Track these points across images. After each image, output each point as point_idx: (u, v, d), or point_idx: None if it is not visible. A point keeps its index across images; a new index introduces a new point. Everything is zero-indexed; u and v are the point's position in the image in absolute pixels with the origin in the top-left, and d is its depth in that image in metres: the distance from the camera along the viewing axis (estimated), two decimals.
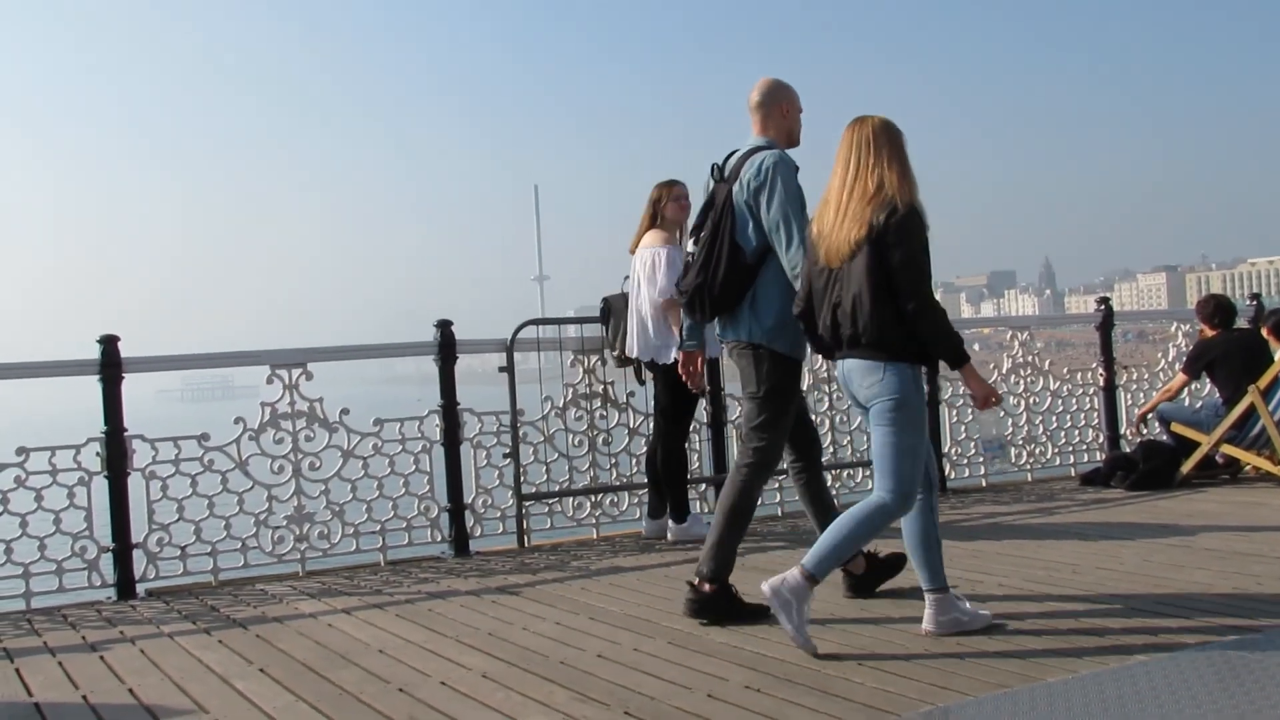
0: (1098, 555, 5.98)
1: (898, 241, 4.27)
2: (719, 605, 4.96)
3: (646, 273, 6.97)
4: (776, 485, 8.05)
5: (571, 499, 7.43)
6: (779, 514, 7.98)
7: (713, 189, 5.12)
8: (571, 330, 7.70)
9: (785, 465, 5.39)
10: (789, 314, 4.81)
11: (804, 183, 4.98)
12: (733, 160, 5.12)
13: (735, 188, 4.98)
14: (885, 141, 4.44)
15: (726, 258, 4.93)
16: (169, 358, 7.37)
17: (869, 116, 4.52)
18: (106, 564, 6.29)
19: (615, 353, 7.27)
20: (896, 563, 5.37)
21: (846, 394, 4.64)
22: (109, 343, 6.37)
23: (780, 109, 5.16)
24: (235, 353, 7.52)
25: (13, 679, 4.62)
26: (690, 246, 5.33)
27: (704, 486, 7.81)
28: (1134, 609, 4.79)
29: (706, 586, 4.98)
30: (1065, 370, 9.53)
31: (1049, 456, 9.21)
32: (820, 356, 4.92)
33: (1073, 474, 9.13)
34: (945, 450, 8.68)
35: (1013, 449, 9.06)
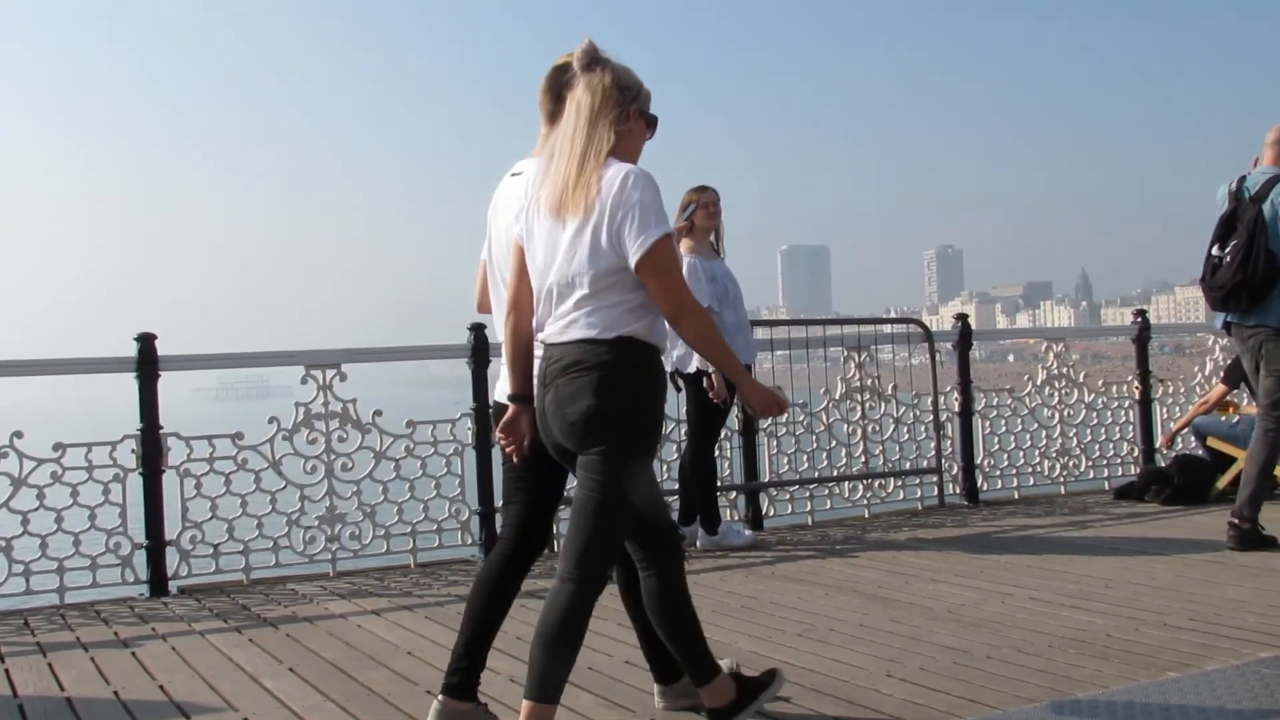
0: (1131, 570, 5.93)
1: None
2: (1254, 537, 6.33)
3: None
4: (807, 495, 8.04)
5: None
6: (809, 523, 7.96)
7: (1235, 207, 6.34)
8: None
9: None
10: None
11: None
12: (1251, 183, 6.32)
13: (1265, 206, 6.19)
14: None
15: (1264, 262, 6.14)
16: (205, 356, 7.43)
17: None
18: (140, 561, 6.34)
19: None
20: None
21: None
22: (146, 340, 6.41)
23: None
24: (271, 352, 7.57)
25: (45, 674, 4.67)
26: (1214, 250, 6.41)
27: (734, 495, 7.80)
28: (1167, 625, 4.75)
29: (1244, 524, 6.34)
30: (1100, 383, 9.47)
31: (1083, 469, 9.15)
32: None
33: (1106, 487, 9.06)
34: (978, 461, 8.65)
35: (1045, 461, 9.01)
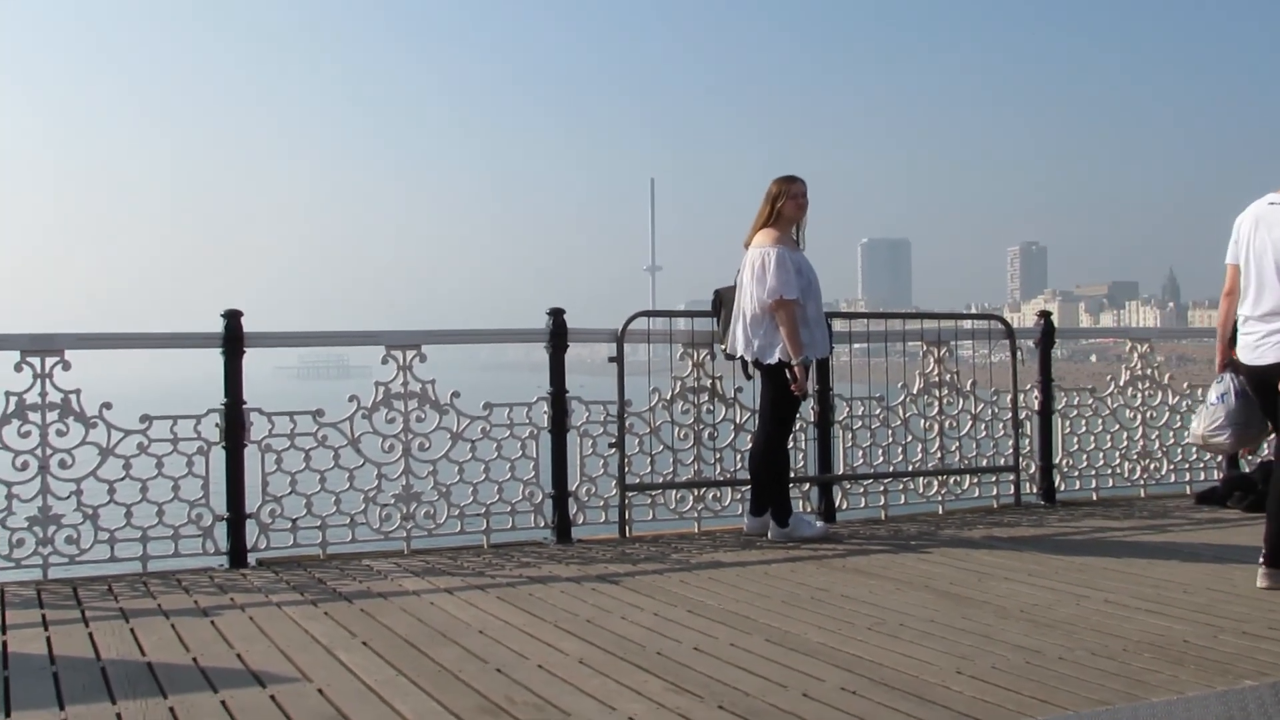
0: (1209, 576, 5.83)
1: None
2: None
3: (755, 273, 6.94)
4: (881, 489, 7.99)
5: (674, 491, 7.45)
6: (882, 517, 7.91)
7: None
8: (681, 323, 7.71)
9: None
10: None
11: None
12: None
13: None
14: None
15: None
16: (288, 334, 7.54)
17: None
18: (220, 532, 6.47)
19: (724, 346, 7.27)
20: None
21: None
22: (232, 317, 6.52)
23: None
24: (353, 332, 7.68)
25: (128, 638, 4.79)
26: None
27: (807, 486, 7.77)
28: (1245, 632, 4.67)
29: None
30: (1185, 385, 9.29)
31: (1164, 472, 9.00)
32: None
33: (1188, 492, 8.91)
34: (1056, 461, 8.54)
35: (1126, 463, 8.87)
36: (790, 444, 7.33)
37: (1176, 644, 4.50)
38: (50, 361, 6.21)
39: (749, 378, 7.21)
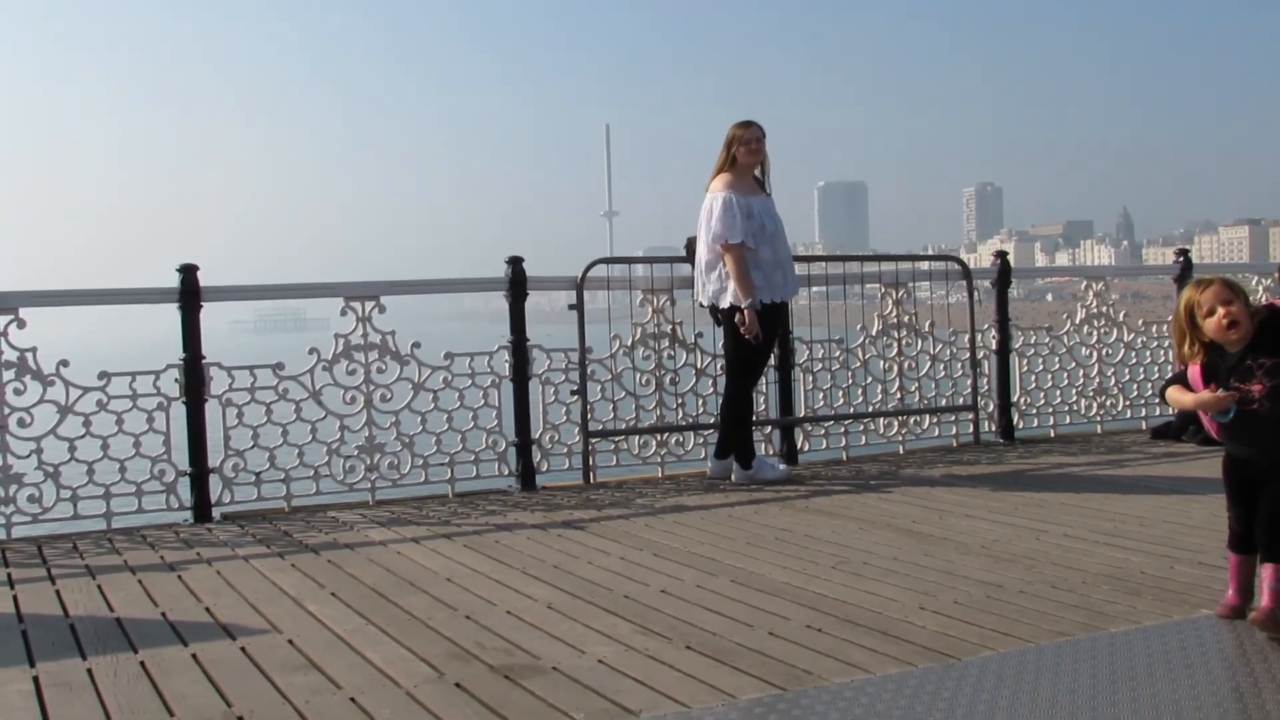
0: (1166, 509, 5.93)
1: None
2: None
3: (705, 218, 6.97)
4: (842, 430, 8.05)
5: (637, 437, 7.48)
6: (843, 458, 7.99)
7: None
8: (641, 269, 7.71)
9: None
10: None
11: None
12: None
13: None
14: None
15: None
16: (246, 288, 7.49)
17: None
18: (184, 487, 6.45)
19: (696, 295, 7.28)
20: None
21: None
22: (188, 272, 6.47)
23: None
24: (311, 284, 7.61)
25: (95, 595, 4.78)
26: None
27: (769, 429, 7.82)
28: (1201, 563, 4.76)
29: None
30: (1140, 322, 9.40)
31: (1120, 408, 9.11)
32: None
33: (1144, 427, 9.02)
34: (1015, 399, 8.63)
35: (1083, 400, 8.98)
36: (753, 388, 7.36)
37: (1134, 575, 4.59)
38: (4, 320, 6.14)
39: (718, 324, 7.23)
